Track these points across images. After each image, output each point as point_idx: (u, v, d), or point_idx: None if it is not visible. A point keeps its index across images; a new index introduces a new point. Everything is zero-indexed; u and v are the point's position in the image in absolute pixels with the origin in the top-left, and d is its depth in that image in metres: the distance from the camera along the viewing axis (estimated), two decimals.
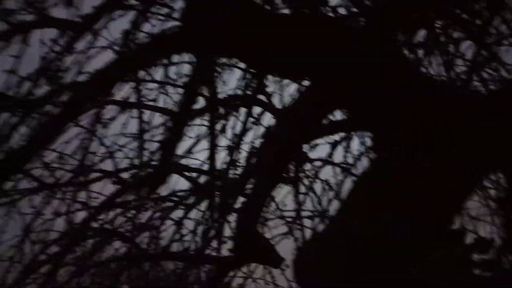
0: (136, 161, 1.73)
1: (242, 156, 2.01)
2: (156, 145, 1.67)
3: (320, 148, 2.22)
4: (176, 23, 1.62)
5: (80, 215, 1.89)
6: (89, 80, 1.13)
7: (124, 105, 1.67)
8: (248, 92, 1.84)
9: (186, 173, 1.76)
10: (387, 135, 1.19)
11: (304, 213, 2.27)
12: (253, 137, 1.99)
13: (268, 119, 2.02)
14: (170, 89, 1.75)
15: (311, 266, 1.28)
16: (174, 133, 1.24)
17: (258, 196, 1.66)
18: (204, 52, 1.14)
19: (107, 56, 1.61)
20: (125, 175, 1.79)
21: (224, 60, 1.53)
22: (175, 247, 2.23)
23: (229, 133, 1.92)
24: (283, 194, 2.26)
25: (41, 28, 1.50)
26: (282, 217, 2.30)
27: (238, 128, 1.95)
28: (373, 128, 1.29)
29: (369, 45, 1.37)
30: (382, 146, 1.23)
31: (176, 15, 1.58)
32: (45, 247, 1.79)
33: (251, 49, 1.25)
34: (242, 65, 1.85)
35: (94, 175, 1.83)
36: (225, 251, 2.18)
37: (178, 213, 2.25)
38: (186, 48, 1.18)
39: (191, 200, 2.12)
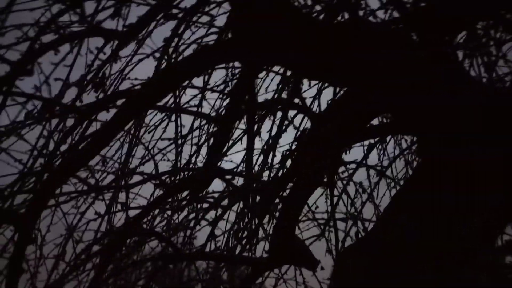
0: (179, 165, 1.76)
1: (277, 158, 2.03)
2: (198, 149, 1.70)
3: (354, 150, 2.22)
4: (217, 30, 1.66)
5: (121, 216, 1.94)
6: (142, 88, 1.16)
7: (166, 110, 1.71)
8: (285, 96, 1.85)
9: (225, 176, 1.79)
10: (436, 138, 1.19)
11: (336, 216, 2.27)
12: (288, 140, 2.02)
13: (304, 122, 2.04)
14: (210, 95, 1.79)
15: (346, 272, 1.29)
16: (220, 138, 1.26)
17: (296, 199, 1.68)
18: (252, 59, 1.16)
19: (150, 63, 1.67)
20: (167, 178, 1.83)
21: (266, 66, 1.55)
22: (210, 247, 2.27)
23: (265, 135, 1.95)
24: (315, 196, 2.28)
25: (87, 37, 1.55)
26: (314, 219, 2.31)
27: (274, 130, 1.97)
28: (419, 131, 1.28)
29: (410, 48, 1.36)
30: (429, 149, 1.23)
31: (217, 23, 1.61)
32: (88, 247, 1.85)
33: (295, 55, 1.27)
34: (278, 69, 1.87)
35: (136, 178, 1.88)
36: (259, 252, 2.21)
37: (212, 214, 2.29)
38: (234, 56, 1.20)
39: (226, 201, 2.15)
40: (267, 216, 2.05)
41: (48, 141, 1.49)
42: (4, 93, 1.26)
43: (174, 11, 1.61)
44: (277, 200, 1.86)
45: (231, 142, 1.96)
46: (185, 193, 1.94)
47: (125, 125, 1.36)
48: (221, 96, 1.74)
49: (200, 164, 1.92)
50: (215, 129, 1.71)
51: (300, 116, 2.00)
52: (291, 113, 1.99)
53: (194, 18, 1.65)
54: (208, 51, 1.11)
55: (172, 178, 1.78)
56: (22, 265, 1.21)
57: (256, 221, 2.01)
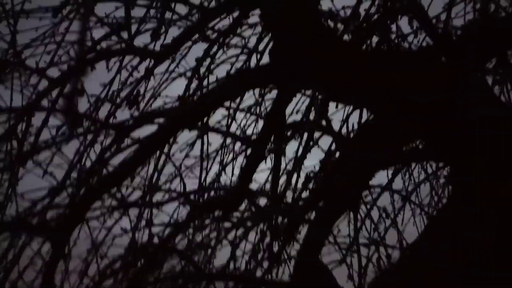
0: (204, 183, 1.77)
1: (301, 180, 2.03)
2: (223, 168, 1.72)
3: (378, 174, 2.20)
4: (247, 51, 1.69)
5: (143, 233, 1.95)
6: (182, 110, 1.19)
7: (198, 130, 1.74)
8: (312, 118, 1.87)
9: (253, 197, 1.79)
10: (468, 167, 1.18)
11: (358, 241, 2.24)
12: (313, 162, 2.02)
13: (330, 144, 2.04)
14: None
15: None
16: (254, 160, 1.28)
17: (322, 222, 1.67)
18: (290, 85, 1.18)
19: (181, 82, 1.70)
20: (195, 197, 1.84)
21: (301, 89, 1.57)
22: (230, 267, 2.25)
23: (289, 156, 1.95)
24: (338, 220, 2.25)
25: (123, 55, 1.60)
26: (336, 243, 2.28)
27: (300, 152, 1.98)
28: (451, 159, 1.28)
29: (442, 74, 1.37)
30: (462, 178, 1.22)
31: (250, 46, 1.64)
32: (112, 262, 1.86)
33: (326, 78, 1.28)
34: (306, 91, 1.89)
35: (162, 193, 1.89)
36: (281, 275, 2.19)
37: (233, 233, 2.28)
38: (272, 80, 1.23)
39: (249, 222, 2.15)
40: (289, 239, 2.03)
41: (82, 156, 1.52)
42: (47, 110, 1.30)
43: (208, 32, 1.65)
44: (302, 223, 1.85)
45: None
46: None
47: (164, 145, 1.38)
48: (247, 116, 1.76)
49: (224, 183, 1.93)
50: (243, 148, 1.72)
51: (325, 138, 2.01)
52: (317, 134, 2.00)
53: (227, 40, 1.69)
54: (247, 75, 1.13)
55: (197, 197, 1.79)
56: (54, 281, 1.22)
57: (279, 243, 2.00)
